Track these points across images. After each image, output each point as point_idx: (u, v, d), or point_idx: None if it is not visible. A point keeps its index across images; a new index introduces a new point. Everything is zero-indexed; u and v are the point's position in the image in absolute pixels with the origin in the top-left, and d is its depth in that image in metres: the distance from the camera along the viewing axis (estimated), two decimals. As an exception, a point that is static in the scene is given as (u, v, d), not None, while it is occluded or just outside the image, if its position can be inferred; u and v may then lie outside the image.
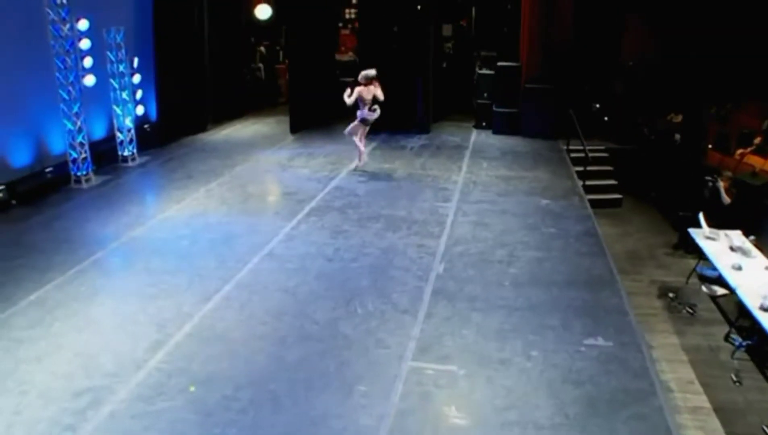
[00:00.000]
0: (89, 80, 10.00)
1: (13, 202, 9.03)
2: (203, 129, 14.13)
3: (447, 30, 16.42)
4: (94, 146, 11.19)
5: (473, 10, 15.39)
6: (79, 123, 10.01)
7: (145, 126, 12.77)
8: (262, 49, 17.38)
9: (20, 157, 9.49)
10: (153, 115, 12.90)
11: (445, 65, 15.28)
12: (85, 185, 10.12)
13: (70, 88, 9.73)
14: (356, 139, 9.89)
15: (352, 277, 6.46)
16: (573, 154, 10.60)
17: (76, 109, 9.92)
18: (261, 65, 17.33)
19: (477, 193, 8.99)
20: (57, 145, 10.09)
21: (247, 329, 5.51)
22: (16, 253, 7.21)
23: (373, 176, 10.01)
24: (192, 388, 4.61)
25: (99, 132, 11.48)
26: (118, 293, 6.29)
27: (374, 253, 7.03)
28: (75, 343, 5.38)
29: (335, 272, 6.59)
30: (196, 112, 14.04)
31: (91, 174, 10.39)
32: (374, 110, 9.60)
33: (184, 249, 7.37)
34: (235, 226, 8.00)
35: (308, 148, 12.13)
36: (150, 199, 9.34)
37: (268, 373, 4.78)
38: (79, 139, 10.09)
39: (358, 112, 9.67)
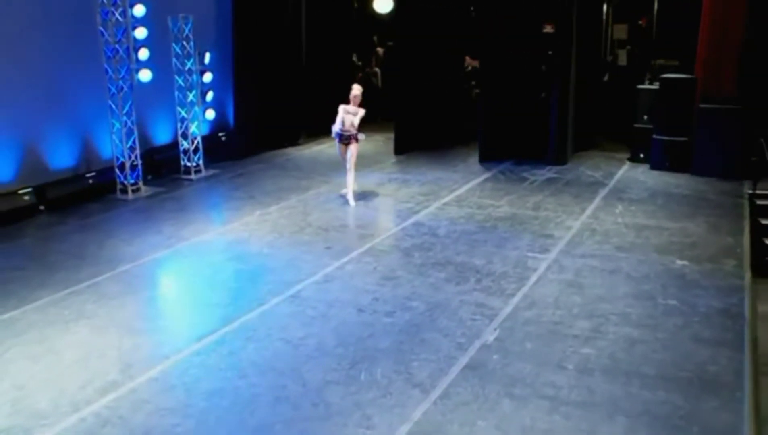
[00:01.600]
0: (145, 75, 10.90)
1: (42, 207, 10.08)
2: (293, 142, 14.84)
3: (620, 32, 15.80)
4: (154, 153, 12.24)
5: (655, 5, 14.69)
6: (129, 124, 10.92)
7: (220, 134, 13.73)
8: (380, 50, 17.94)
9: (58, 158, 10.60)
10: (231, 122, 13.83)
11: (606, 78, 14.69)
12: (130, 196, 11.05)
13: (121, 83, 10.71)
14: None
15: (375, 335, 6.33)
16: (761, 201, 9.60)
17: (126, 108, 10.90)
18: (377, 70, 17.86)
19: (589, 245, 8.47)
20: (107, 148, 11.10)
21: (220, 381, 5.57)
22: (16, 265, 8.02)
23: (467, 214, 9.85)
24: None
25: (162, 137, 12.53)
26: (100, 322, 6.70)
27: (418, 309, 6.85)
28: (20, 373, 5.78)
29: (359, 326, 6.50)
30: (285, 121, 14.80)
31: (140, 184, 11.33)
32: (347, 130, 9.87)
33: (200, 279, 7.76)
34: (273, 258, 8.26)
35: (406, 173, 12.25)
36: (194, 218, 9.95)
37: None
38: (129, 143, 11.04)
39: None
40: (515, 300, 7.01)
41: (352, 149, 10.11)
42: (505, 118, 12.79)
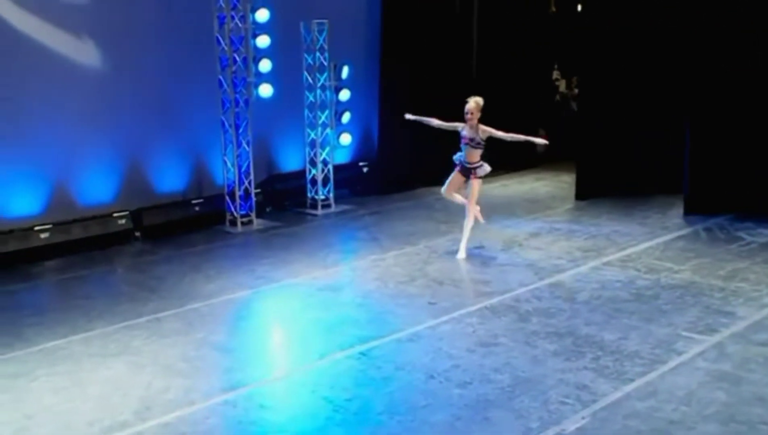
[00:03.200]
0: (265, 91, 11.99)
1: (137, 234, 11.50)
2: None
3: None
4: (276, 181, 13.19)
5: None
6: (244, 146, 11.90)
7: (361, 164, 14.62)
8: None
9: (165, 182, 12.03)
10: (375, 150, 14.57)
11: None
12: (239, 229, 12.18)
13: (238, 97, 11.79)
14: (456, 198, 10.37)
15: (433, 406, 6.62)
16: None
17: (243, 127, 12.03)
18: (576, 90, 17.89)
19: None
20: (221, 173, 12.28)
21: None
22: (86, 293, 9.27)
23: (627, 278, 9.73)
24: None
25: (289, 163, 13.63)
26: (140, 360, 7.60)
27: (501, 382, 7.04)
28: (36, 403, 6.64)
29: (419, 394, 6.80)
30: (447, 151, 15.48)
31: (252, 216, 12.40)
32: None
33: (267, 326, 8.66)
34: (362, 310, 8.87)
35: (576, 223, 12.36)
36: (296, 259, 10.79)
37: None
38: (244, 168, 12.17)
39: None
40: (630, 387, 6.97)
41: (474, 185, 10.43)
42: (727, 157, 12.21)
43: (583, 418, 6.35)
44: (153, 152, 11.55)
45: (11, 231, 10.39)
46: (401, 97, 13.53)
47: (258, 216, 12.36)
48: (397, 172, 14.15)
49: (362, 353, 7.63)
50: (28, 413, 6.54)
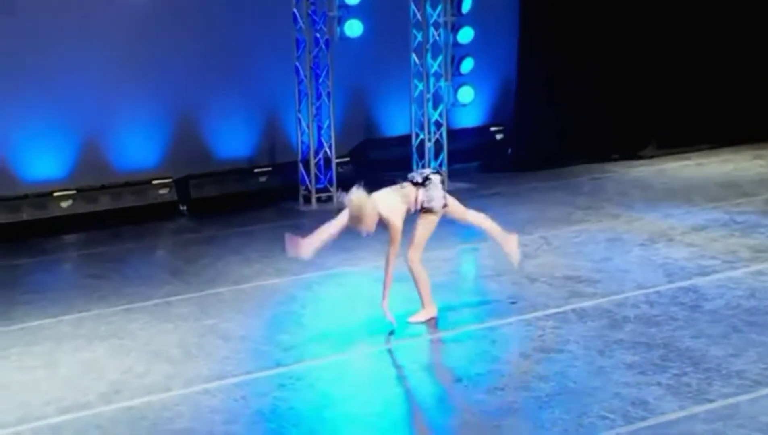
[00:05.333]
0: (353, 28, 12.59)
1: (183, 207, 13.11)
2: (631, 154, 15.88)
3: None
4: (370, 148, 14.10)
5: None
6: (324, 100, 12.77)
7: (493, 129, 15.27)
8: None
9: (222, 145, 13.23)
10: (511, 113, 14.96)
11: None
12: (313, 206, 13.30)
13: (318, 36, 12.52)
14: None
15: (439, 410, 7.67)
16: None
17: (322, 76, 12.74)
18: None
19: None
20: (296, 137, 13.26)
21: (198, 424, 7.25)
22: (95, 272, 10.61)
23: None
24: None
25: (393, 126, 14.44)
26: (129, 344, 8.93)
27: (540, 391, 7.54)
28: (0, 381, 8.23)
29: (429, 398, 7.73)
30: (619, 120, 15.76)
31: (332, 190, 13.43)
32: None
33: (286, 316, 9.81)
34: (415, 304, 10.10)
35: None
36: (362, 245, 11.79)
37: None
38: (324, 128, 13.04)
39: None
40: (703, 407, 7.54)
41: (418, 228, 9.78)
42: None
43: (616, 435, 7.30)
44: (208, 107, 12.84)
45: (25, 196, 11.94)
46: (552, 43, 14.04)
47: (344, 191, 13.38)
48: (542, 141, 14.66)
49: (392, 350, 8.83)
50: (-12, 389, 8.14)
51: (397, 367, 8.64)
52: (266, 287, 10.47)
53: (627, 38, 14.81)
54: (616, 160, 15.39)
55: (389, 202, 9.14)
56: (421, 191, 9.26)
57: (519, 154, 15.01)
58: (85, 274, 11.09)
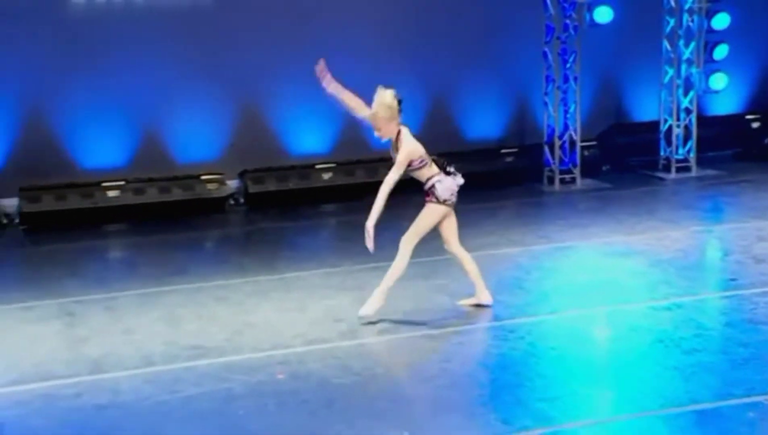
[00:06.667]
0: (603, 15, 12.97)
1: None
2: None
3: None
4: (619, 133, 14.31)
5: None
6: (572, 84, 13.08)
7: (749, 117, 14.79)
8: None
9: (474, 126, 14.04)
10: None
11: None
12: (557, 187, 13.88)
13: (568, 23, 12.90)
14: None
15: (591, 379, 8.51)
16: None
17: (570, 61, 13.26)
18: None
19: None
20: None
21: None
22: (353, 236, 11.04)
23: None
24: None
25: (642, 111, 14.65)
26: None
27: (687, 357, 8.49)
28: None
29: (576, 363, 8.60)
30: None
31: (575, 173, 13.99)
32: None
33: (509, 277, 10.81)
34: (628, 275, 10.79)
35: None
36: (595, 222, 12.78)
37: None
38: (570, 111, 13.54)
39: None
40: None
41: (423, 214, 9.88)
42: None
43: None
44: (460, 90, 14.03)
45: (292, 167, 13.77)
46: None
47: (588, 175, 14.00)
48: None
49: (594, 315, 9.70)
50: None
51: (604, 327, 9.55)
52: (497, 255, 11.40)
53: None
54: None
55: (414, 142, 9.29)
56: (442, 175, 9.35)
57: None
58: (338, 238, 12.79)
